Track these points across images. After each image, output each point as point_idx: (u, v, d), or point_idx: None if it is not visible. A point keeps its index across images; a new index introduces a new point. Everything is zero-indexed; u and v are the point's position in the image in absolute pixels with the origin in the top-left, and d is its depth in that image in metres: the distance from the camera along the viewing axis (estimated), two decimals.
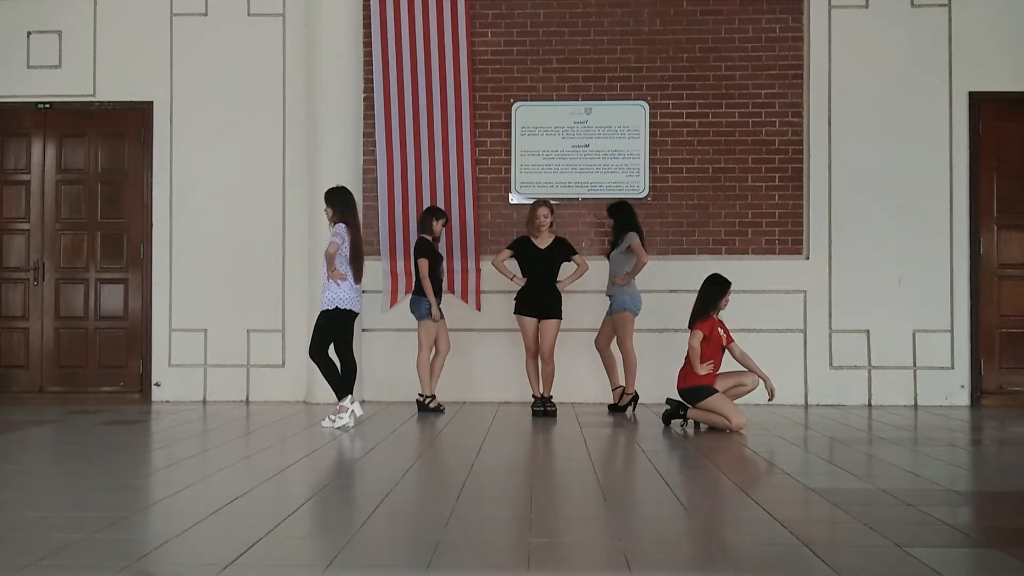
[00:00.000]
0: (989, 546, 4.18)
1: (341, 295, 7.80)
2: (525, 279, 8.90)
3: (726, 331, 7.96)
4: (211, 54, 9.97)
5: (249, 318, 9.91)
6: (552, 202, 9.24)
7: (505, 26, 9.97)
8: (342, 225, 7.81)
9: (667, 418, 8.04)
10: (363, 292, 9.47)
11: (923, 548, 4.05)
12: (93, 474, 5.84)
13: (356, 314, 7.96)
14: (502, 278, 9.14)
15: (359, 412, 7.87)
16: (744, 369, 7.96)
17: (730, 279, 8.05)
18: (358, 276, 7.93)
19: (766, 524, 4.51)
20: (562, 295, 8.93)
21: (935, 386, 9.70)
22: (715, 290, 7.92)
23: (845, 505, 4.88)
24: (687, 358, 7.90)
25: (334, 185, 8.16)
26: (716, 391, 7.76)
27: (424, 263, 8.83)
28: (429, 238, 8.98)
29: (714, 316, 7.90)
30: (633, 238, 8.81)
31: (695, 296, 8.06)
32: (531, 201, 9.43)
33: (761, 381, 7.85)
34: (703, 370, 7.75)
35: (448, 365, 9.24)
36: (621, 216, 9.00)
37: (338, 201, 7.93)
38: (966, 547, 4.21)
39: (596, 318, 9.25)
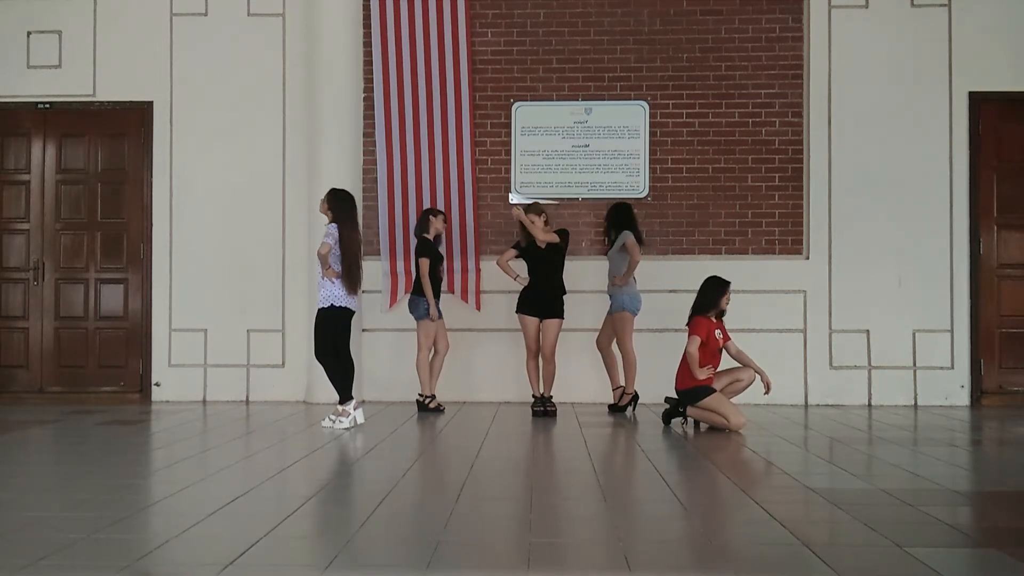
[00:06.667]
0: (989, 546, 4.17)
1: (335, 292, 7.80)
2: (528, 279, 8.89)
3: (723, 331, 7.96)
4: (211, 54, 9.98)
5: (249, 318, 9.91)
6: (552, 202, 9.23)
7: (505, 26, 9.97)
8: (334, 225, 7.79)
9: (667, 417, 8.04)
10: (363, 292, 9.51)
11: (923, 548, 4.05)
12: (93, 474, 5.84)
13: (352, 312, 7.94)
14: (502, 278, 9.14)
15: (360, 419, 7.85)
16: (739, 365, 7.97)
17: (730, 279, 8.05)
18: (349, 283, 7.74)
19: (766, 524, 4.51)
20: (565, 295, 8.89)
21: (935, 386, 9.70)
22: (715, 292, 7.91)
23: (845, 505, 4.88)
24: (684, 359, 7.90)
25: (336, 188, 8.09)
26: (714, 391, 7.76)
27: (425, 262, 8.82)
28: (429, 237, 8.97)
29: (712, 318, 7.89)
30: (627, 236, 8.82)
31: (694, 297, 8.06)
32: (530, 202, 9.41)
33: (757, 376, 7.85)
34: (702, 375, 7.75)
35: (448, 365, 9.24)
36: (617, 216, 9.00)
37: (337, 207, 7.86)
38: (966, 547, 4.21)
39: (596, 318, 9.25)
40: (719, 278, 8.03)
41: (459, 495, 5.12)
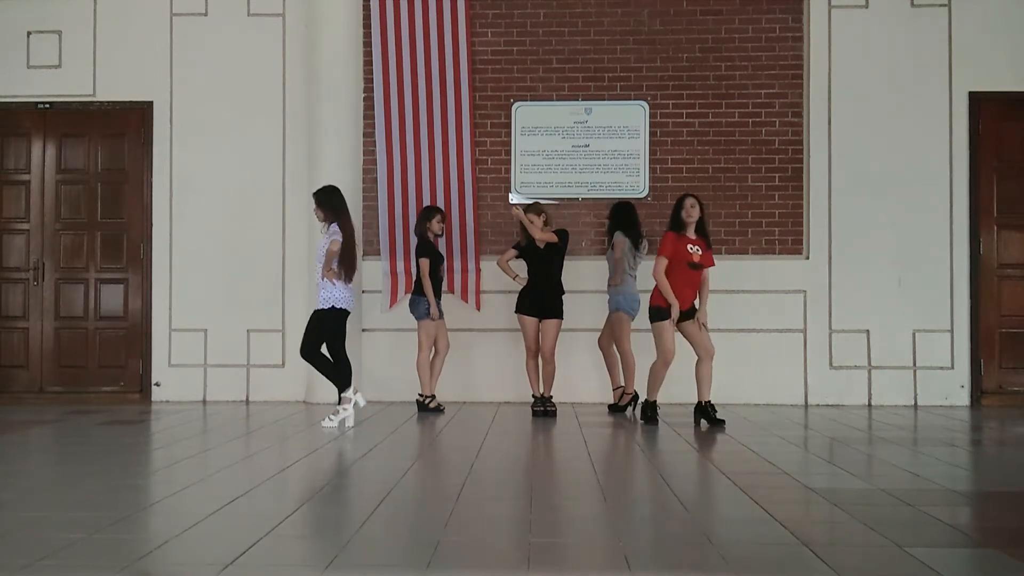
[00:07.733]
0: (989, 546, 4.18)
1: (337, 294, 7.79)
2: (527, 279, 8.89)
3: (704, 250, 7.96)
4: (211, 54, 9.98)
5: (249, 318, 9.91)
6: (552, 202, 9.23)
7: (505, 26, 9.97)
8: (336, 224, 7.80)
9: (648, 419, 8.06)
10: (363, 292, 9.53)
11: (923, 548, 4.05)
12: (93, 474, 5.84)
13: (349, 313, 7.94)
14: (502, 278, 9.15)
15: (362, 403, 7.86)
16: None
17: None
18: (349, 276, 7.83)
19: (766, 524, 4.52)
20: (564, 295, 8.89)
21: (935, 386, 9.70)
22: (675, 210, 8.01)
23: (845, 505, 4.88)
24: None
25: (318, 188, 8.10)
26: (668, 317, 7.85)
27: (425, 262, 8.82)
28: (429, 238, 8.96)
29: (684, 234, 7.92)
30: (615, 236, 8.83)
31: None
32: (530, 202, 9.42)
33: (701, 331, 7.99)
34: (671, 298, 7.81)
35: (448, 365, 9.24)
36: (615, 216, 8.98)
37: (329, 204, 7.86)
38: (966, 547, 4.21)
39: (596, 318, 9.25)
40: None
41: (459, 495, 5.12)
